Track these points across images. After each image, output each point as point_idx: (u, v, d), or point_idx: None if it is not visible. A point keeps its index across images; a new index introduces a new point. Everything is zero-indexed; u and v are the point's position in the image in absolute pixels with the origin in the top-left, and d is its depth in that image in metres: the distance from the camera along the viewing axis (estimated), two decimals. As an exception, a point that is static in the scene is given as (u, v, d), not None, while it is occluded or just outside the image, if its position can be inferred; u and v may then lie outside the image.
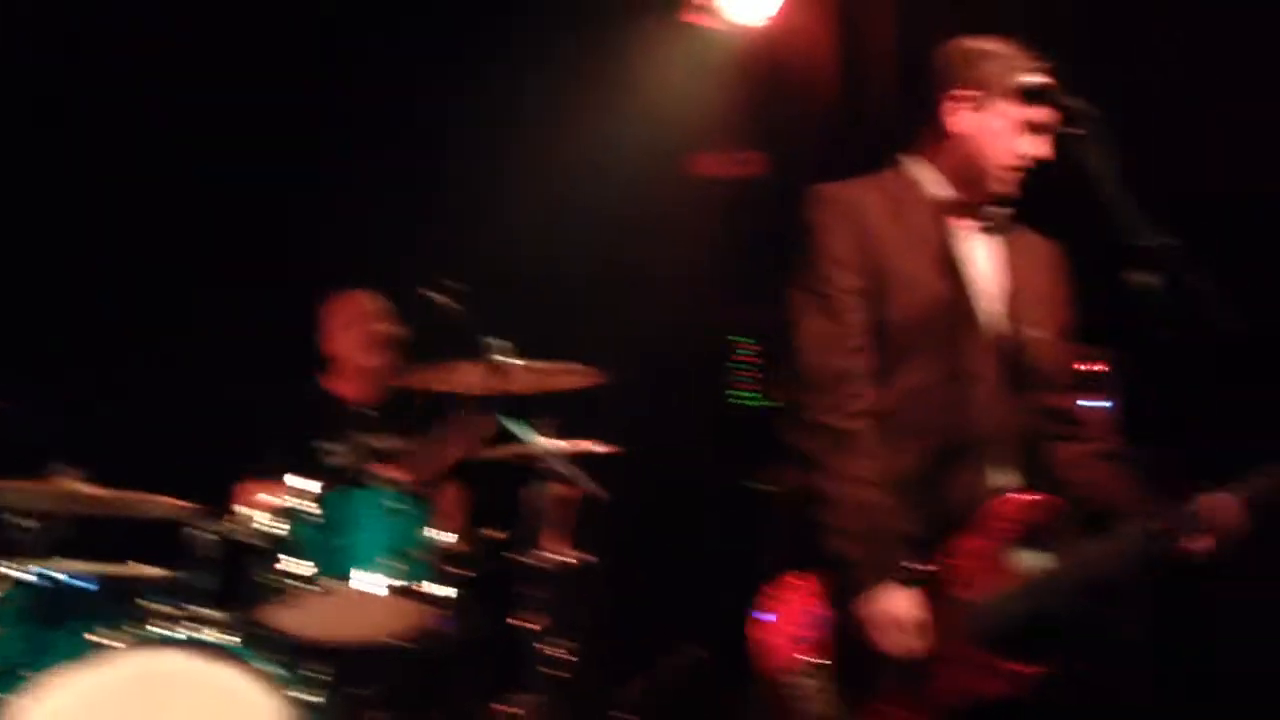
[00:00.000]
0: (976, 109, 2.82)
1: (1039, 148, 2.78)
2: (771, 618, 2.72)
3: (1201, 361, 2.79)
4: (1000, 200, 2.84)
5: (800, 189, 2.87)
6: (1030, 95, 2.76)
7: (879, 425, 2.73)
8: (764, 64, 5.52)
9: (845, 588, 2.67)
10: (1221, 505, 2.62)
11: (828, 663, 2.67)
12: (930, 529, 2.70)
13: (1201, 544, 2.63)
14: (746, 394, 5.50)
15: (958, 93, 2.83)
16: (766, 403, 5.40)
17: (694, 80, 5.55)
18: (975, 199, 2.86)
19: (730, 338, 5.58)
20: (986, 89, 2.80)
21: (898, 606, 2.61)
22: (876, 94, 5.32)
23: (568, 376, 4.05)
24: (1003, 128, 2.80)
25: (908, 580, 2.64)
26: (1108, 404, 4.59)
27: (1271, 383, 4.35)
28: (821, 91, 5.48)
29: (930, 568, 2.67)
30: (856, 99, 5.41)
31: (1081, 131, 2.59)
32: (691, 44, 5.57)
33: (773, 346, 5.19)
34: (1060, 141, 2.68)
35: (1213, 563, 2.66)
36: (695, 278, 5.29)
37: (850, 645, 2.65)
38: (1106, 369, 4.55)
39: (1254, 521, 2.63)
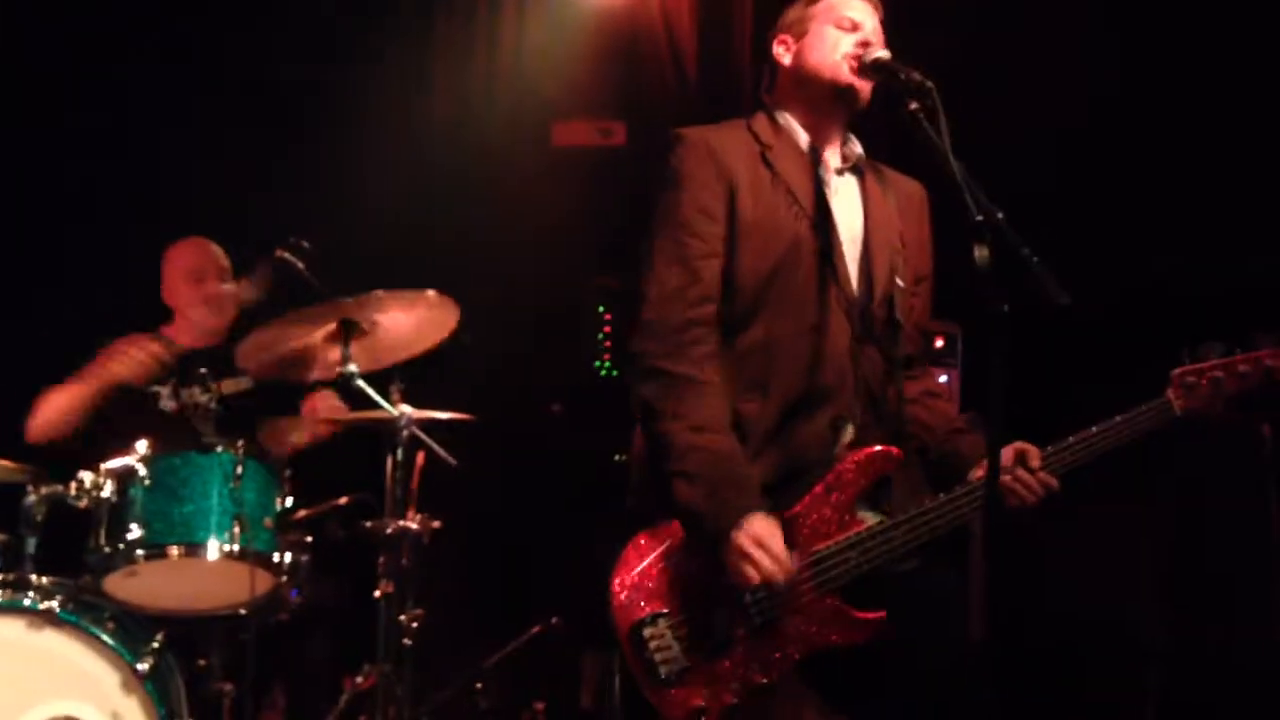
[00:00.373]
0: (798, 38, 2.91)
1: (866, 46, 2.83)
2: (623, 576, 2.73)
3: (1032, 333, 2.90)
4: (847, 106, 2.87)
5: (660, 159, 2.87)
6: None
7: (725, 374, 2.75)
8: (625, 33, 5.52)
9: (694, 533, 2.69)
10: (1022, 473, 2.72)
11: (678, 615, 2.69)
12: (778, 479, 2.73)
13: (1022, 500, 2.73)
14: (602, 363, 5.51)
15: (784, 35, 2.94)
16: (619, 371, 5.42)
17: (555, 48, 5.52)
18: (825, 125, 2.90)
19: (589, 306, 5.58)
20: (811, 20, 2.89)
21: (756, 535, 2.60)
22: (736, 64, 5.36)
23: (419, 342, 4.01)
24: (823, 38, 2.87)
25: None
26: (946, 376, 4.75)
27: (1096, 354, 4.54)
28: (682, 62, 5.50)
29: (778, 517, 2.69)
30: (717, 69, 5.45)
31: (917, 105, 2.62)
32: (553, 12, 5.54)
33: (629, 315, 5.22)
34: (901, 118, 2.72)
35: (1034, 519, 2.77)
36: (554, 246, 5.28)
37: (702, 596, 2.69)
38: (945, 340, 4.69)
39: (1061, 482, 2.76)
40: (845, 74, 2.83)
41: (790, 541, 2.67)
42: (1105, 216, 4.84)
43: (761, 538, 2.60)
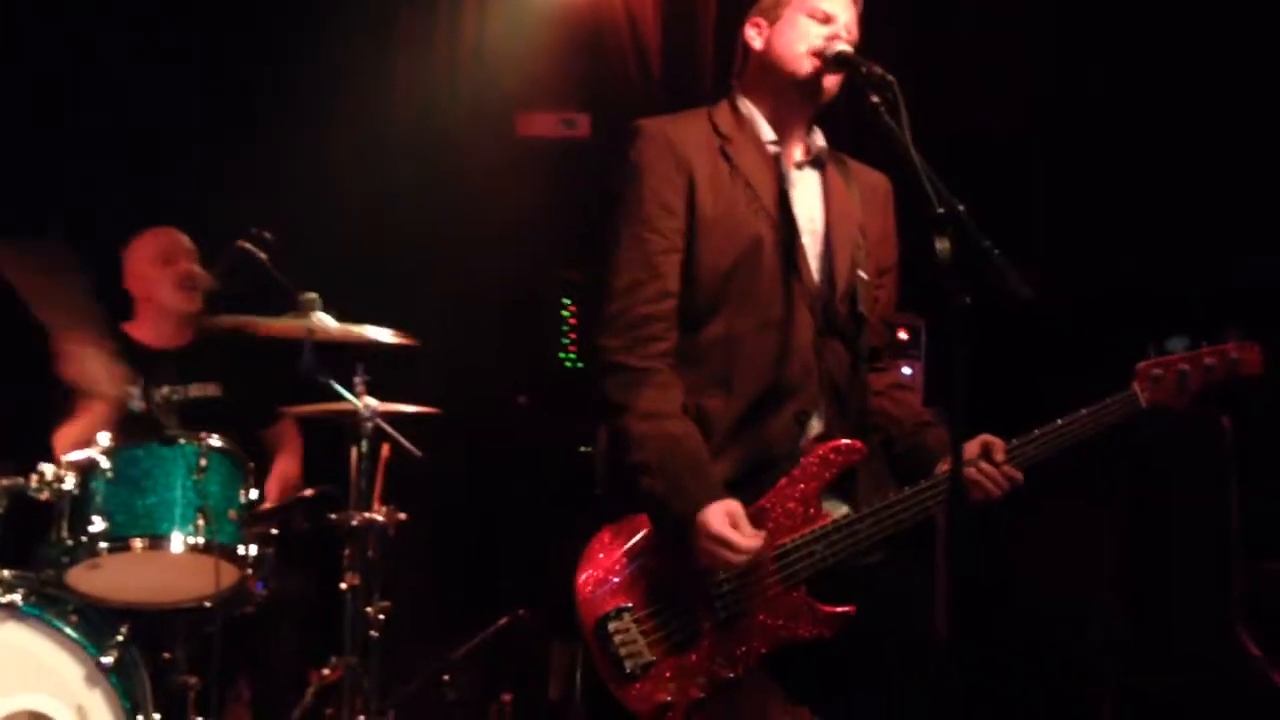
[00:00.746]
0: (771, 23, 2.89)
1: (831, 40, 2.81)
2: (589, 570, 2.74)
3: (996, 327, 2.92)
4: (811, 99, 2.86)
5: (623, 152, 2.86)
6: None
7: (686, 369, 2.76)
8: (589, 25, 5.51)
9: (659, 523, 2.70)
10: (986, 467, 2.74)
11: (644, 610, 2.70)
12: (743, 474, 2.74)
13: (987, 493, 2.75)
14: (566, 355, 5.52)
15: (756, 19, 2.92)
16: (583, 363, 5.43)
17: (519, 40, 5.51)
18: (789, 116, 2.89)
19: (553, 299, 5.58)
20: (785, 6, 2.87)
21: (719, 520, 2.61)
22: (700, 57, 5.36)
23: (382, 334, 4.00)
24: (793, 25, 2.85)
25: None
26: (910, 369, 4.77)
27: (1060, 347, 4.58)
28: (646, 54, 5.49)
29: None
30: (681, 62, 5.45)
31: (879, 98, 2.63)
32: (516, 3, 5.52)
33: (592, 308, 5.23)
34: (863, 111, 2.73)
35: (998, 512, 2.80)
36: (518, 237, 5.27)
37: (668, 591, 2.70)
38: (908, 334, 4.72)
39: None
40: (806, 67, 2.82)
41: None
42: (1071, 213, 4.88)
43: (733, 515, 2.61)
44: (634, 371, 2.73)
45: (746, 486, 2.73)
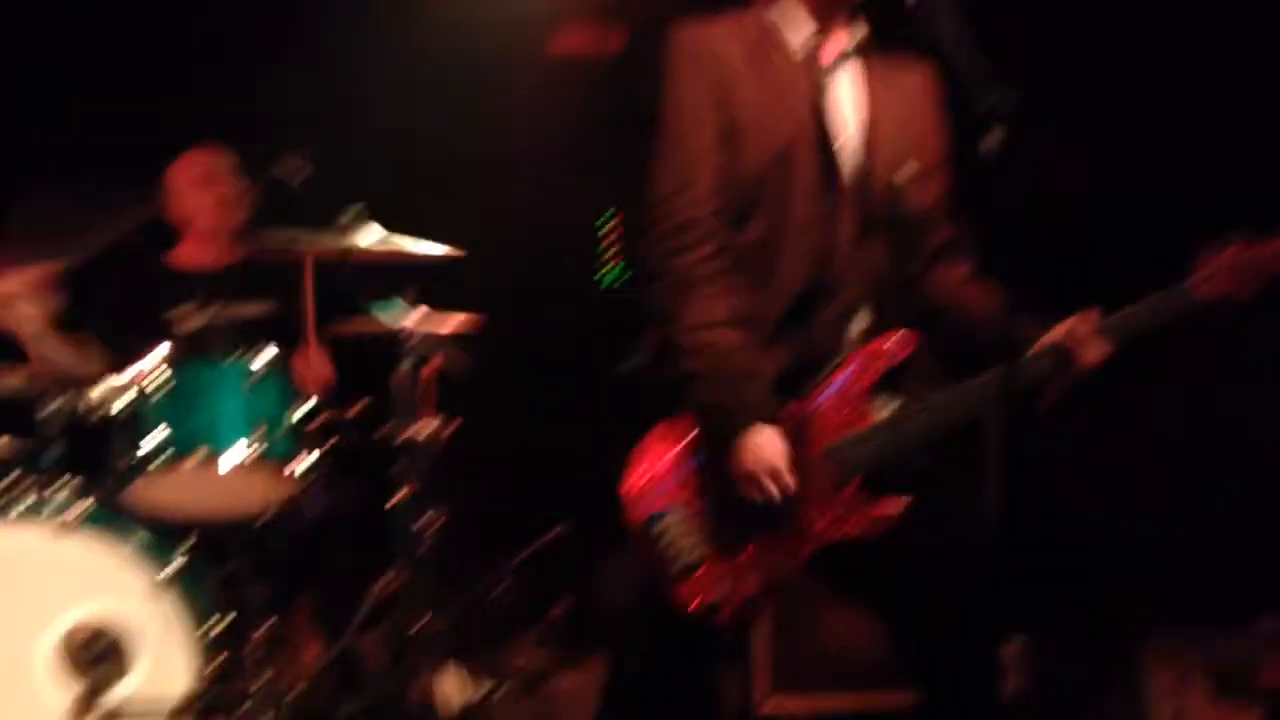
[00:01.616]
0: None
1: None
2: (639, 470, 2.76)
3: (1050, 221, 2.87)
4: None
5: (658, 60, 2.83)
6: None
7: (731, 271, 2.75)
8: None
9: (709, 433, 2.71)
10: (1085, 332, 2.68)
11: (694, 509, 2.72)
12: (790, 372, 2.75)
13: (1060, 383, 2.71)
14: (610, 269, 5.53)
15: None
16: (628, 277, 5.43)
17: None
18: (832, 9, 2.81)
19: (593, 212, 5.59)
20: None
21: (762, 447, 2.64)
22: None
23: (427, 248, 4.01)
24: None
25: (772, 420, 2.68)
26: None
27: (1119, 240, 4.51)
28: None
29: (791, 411, 2.73)
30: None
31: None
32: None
33: (635, 221, 5.23)
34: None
35: (1065, 402, 2.77)
36: (555, 154, 5.25)
37: (718, 490, 2.71)
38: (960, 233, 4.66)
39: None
40: None
41: (804, 435, 2.70)
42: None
43: (761, 456, 2.63)
44: (679, 279, 2.72)
45: (794, 384, 2.74)
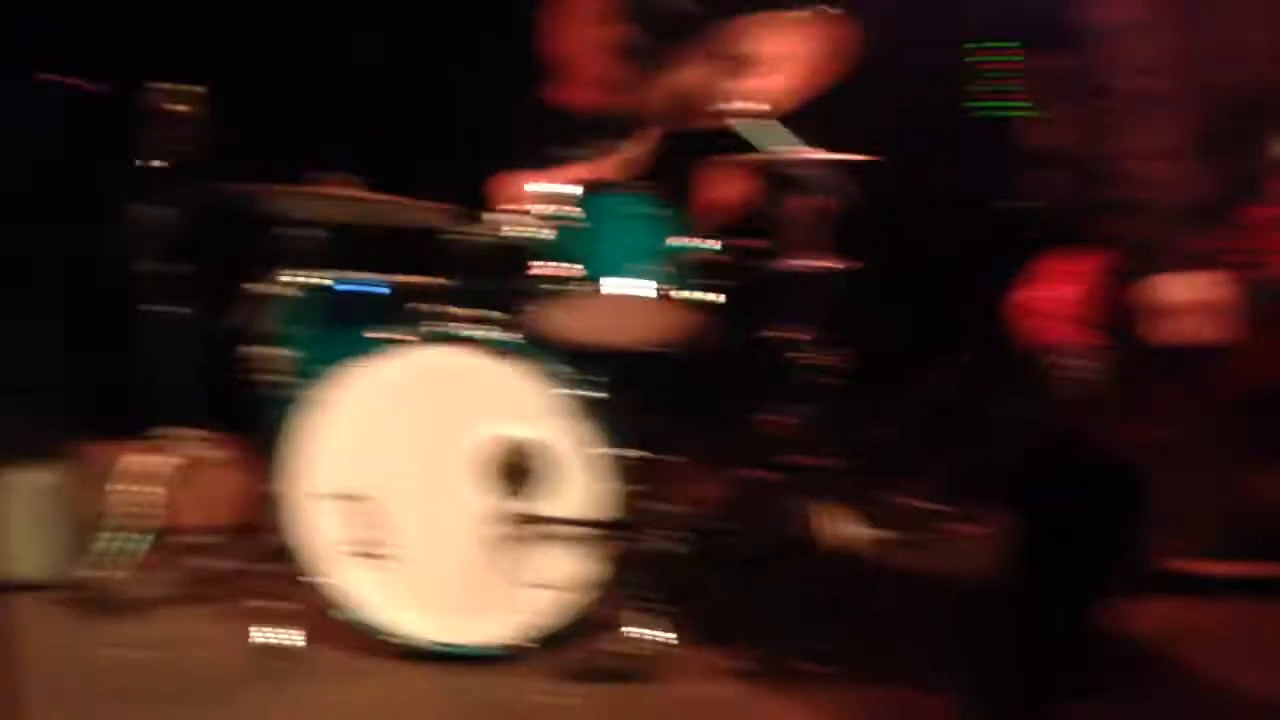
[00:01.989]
0: None
1: None
2: (1041, 296, 2.70)
3: None
4: None
5: None
6: None
7: (1161, 88, 2.60)
8: None
9: (1129, 268, 2.61)
10: None
11: (1103, 344, 2.65)
12: (1214, 203, 2.60)
13: None
14: (994, 103, 5.35)
15: None
16: (1015, 111, 5.23)
17: None
18: None
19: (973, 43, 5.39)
20: None
21: (1186, 291, 2.53)
22: None
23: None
24: None
25: (1195, 261, 2.56)
26: None
27: None
28: None
29: (1217, 245, 2.58)
30: None
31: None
32: None
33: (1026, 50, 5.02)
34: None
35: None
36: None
37: (1130, 329, 2.61)
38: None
39: None
40: None
41: (1227, 273, 2.55)
42: None
43: (1186, 299, 2.52)
44: (1121, 94, 2.58)
45: (1218, 217, 2.58)
